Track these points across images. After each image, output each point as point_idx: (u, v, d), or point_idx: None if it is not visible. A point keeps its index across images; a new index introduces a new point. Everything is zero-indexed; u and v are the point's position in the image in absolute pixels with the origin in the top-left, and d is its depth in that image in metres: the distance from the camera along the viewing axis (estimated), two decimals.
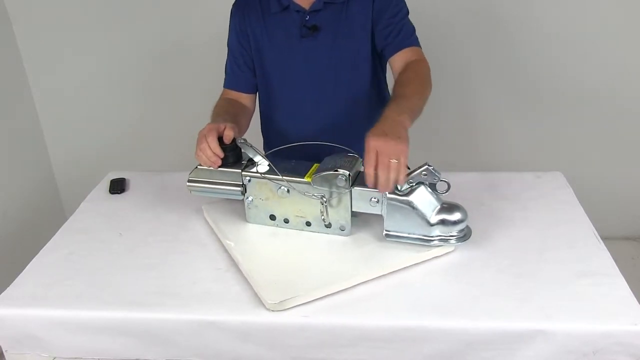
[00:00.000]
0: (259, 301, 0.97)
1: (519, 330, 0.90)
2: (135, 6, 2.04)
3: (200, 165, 1.15)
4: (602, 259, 1.03)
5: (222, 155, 1.12)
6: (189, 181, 1.16)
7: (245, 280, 1.02)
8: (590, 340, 0.89)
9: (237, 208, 1.19)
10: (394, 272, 1.02)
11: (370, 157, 0.97)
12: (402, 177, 0.98)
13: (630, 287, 0.95)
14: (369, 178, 0.99)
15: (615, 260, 1.02)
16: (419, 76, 1.21)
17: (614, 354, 0.89)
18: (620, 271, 1.00)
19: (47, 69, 2.15)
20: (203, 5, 2.00)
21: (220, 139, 1.12)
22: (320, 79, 1.35)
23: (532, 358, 0.91)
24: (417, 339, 0.92)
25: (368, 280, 1.00)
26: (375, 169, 0.97)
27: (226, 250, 1.10)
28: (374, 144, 0.97)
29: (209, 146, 1.11)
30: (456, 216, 1.03)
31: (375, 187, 1.00)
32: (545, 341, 0.89)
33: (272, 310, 0.94)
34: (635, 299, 0.93)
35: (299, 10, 1.31)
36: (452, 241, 1.04)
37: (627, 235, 2.29)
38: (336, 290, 0.97)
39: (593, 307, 0.92)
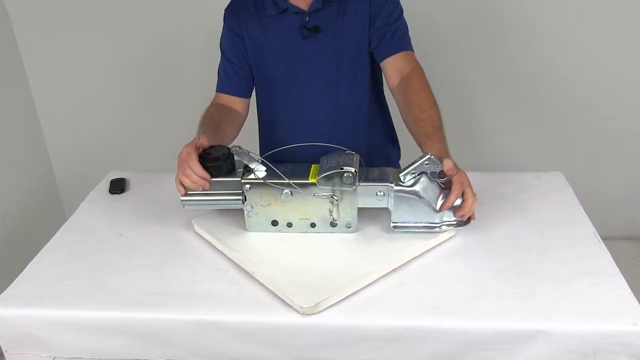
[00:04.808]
0: (259, 301, 0.97)
1: (519, 330, 0.90)
2: (136, 6, 2.03)
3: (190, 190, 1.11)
4: (602, 259, 1.03)
5: (208, 177, 1.08)
6: (184, 195, 1.12)
7: (245, 280, 1.02)
8: (590, 340, 0.89)
9: (230, 218, 1.16)
10: (392, 271, 1.02)
11: (459, 189, 1.05)
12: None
13: (630, 287, 0.96)
14: (449, 204, 1.05)
15: (615, 260, 1.02)
16: (432, 95, 1.22)
17: (614, 354, 0.89)
18: (620, 271, 1.00)
19: (47, 69, 2.15)
20: (204, 4, 2.00)
21: (207, 152, 1.10)
22: (325, 79, 1.34)
23: (532, 358, 0.91)
24: (417, 339, 0.92)
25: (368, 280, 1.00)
26: (461, 197, 1.06)
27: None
28: (465, 179, 1.06)
29: (193, 171, 1.08)
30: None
31: (447, 208, 1.07)
32: (545, 341, 0.89)
33: (306, 315, 0.93)
34: (635, 299, 0.93)
35: (298, 11, 1.29)
36: (455, 225, 1.08)
37: (627, 235, 2.29)
38: (364, 286, 0.98)
39: (593, 307, 0.92)
